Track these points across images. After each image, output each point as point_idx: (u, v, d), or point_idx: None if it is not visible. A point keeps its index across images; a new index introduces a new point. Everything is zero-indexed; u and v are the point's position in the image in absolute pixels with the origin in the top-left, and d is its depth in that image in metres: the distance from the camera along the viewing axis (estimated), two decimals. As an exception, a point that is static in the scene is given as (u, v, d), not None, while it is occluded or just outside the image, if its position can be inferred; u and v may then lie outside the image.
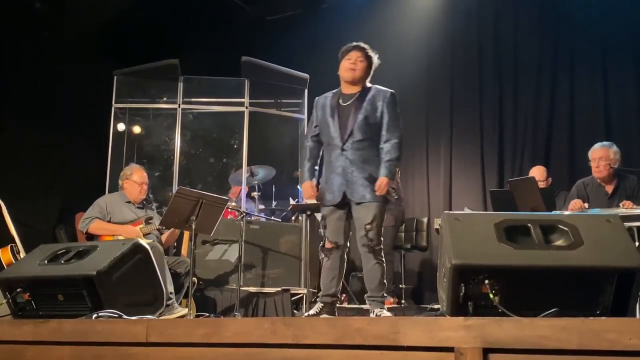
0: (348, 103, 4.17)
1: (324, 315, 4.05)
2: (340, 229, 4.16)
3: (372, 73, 4.28)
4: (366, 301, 4.20)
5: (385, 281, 4.15)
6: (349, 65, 4.17)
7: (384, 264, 4.13)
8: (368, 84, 4.25)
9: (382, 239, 4.13)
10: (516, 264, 2.33)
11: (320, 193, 4.22)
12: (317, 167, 4.32)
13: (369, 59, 4.22)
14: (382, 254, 4.12)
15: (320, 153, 4.32)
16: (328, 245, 4.16)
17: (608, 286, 2.33)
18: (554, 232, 2.49)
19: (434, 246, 7.53)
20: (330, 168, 4.15)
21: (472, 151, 7.91)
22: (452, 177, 8.03)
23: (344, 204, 4.12)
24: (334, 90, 4.34)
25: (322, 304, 4.13)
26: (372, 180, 4.05)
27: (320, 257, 4.25)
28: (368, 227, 4.02)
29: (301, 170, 4.40)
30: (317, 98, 4.39)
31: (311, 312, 4.14)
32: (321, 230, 4.24)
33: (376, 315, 3.98)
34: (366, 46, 4.24)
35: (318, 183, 4.27)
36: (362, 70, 4.19)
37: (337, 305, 6.02)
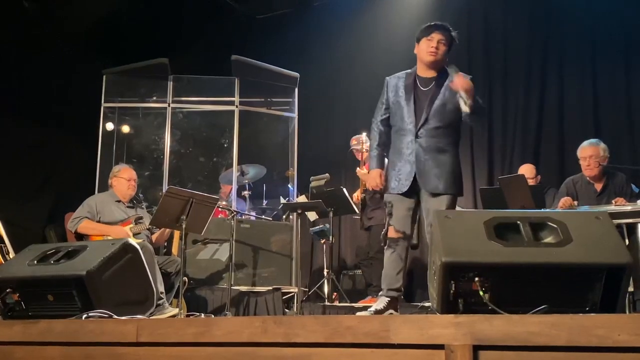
0: (427, 88, 3.94)
1: (390, 311, 3.81)
2: (408, 218, 3.93)
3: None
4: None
5: None
6: (429, 48, 3.92)
7: None
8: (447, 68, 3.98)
9: None
10: (506, 261, 2.34)
11: (387, 180, 4.00)
12: (386, 155, 4.10)
13: (451, 42, 3.96)
14: None
15: (389, 140, 4.06)
16: (394, 234, 3.93)
17: (597, 283, 2.35)
18: (544, 229, 2.50)
19: (424, 244, 7.53)
20: (399, 155, 3.92)
21: (462, 149, 7.80)
22: (442, 175, 8.03)
23: (412, 192, 3.90)
24: (408, 70, 4.11)
25: (389, 299, 3.87)
26: (445, 170, 3.84)
27: (384, 247, 4.01)
28: None
29: (370, 156, 4.12)
30: (387, 78, 4.14)
31: (378, 307, 3.85)
32: (387, 217, 3.98)
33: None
34: (449, 27, 3.97)
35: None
36: (443, 54, 3.95)
37: (328, 303, 6.08)
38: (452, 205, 3.85)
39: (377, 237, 6.47)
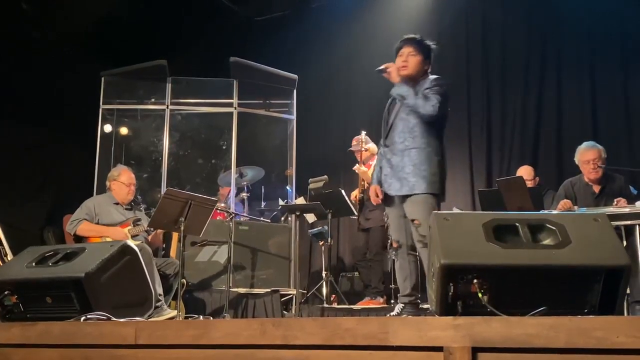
0: (396, 100, 4.06)
1: (404, 315, 3.90)
2: (396, 227, 4.06)
3: (431, 62, 4.14)
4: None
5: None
6: (401, 63, 4.03)
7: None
8: (430, 76, 4.08)
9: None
10: (504, 263, 2.34)
11: None
12: None
13: (423, 50, 4.06)
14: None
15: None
16: (394, 243, 4.06)
17: (596, 285, 2.34)
18: (542, 231, 2.50)
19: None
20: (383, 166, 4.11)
21: (461, 151, 7.93)
22: (440, 177, 8.04)
23: (394, 199, 4.04)
24: None
25: (403, 305, 4.02)
26: (410, 172, 3.93)
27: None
28: (417, 222, 3.90)
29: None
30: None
31: (393, 313, 4.02)
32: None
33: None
34: (417, 36, 4.08)
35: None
36: (416, 65, 4.05)
37: (327, 305, 6.07)
38: (426, 204, 3.86)
39: (375, 239, 6.54)
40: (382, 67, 4.01)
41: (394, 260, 4.10)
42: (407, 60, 4.02)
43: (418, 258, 4.02)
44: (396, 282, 6.99)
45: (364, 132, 6.55)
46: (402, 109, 3.99)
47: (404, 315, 3.89)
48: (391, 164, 3.97)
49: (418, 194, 3.87)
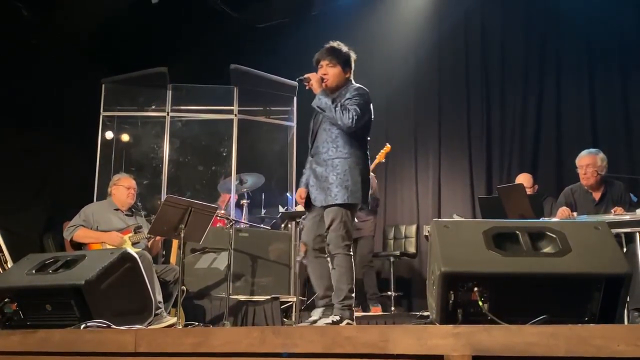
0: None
1: (347, 322, 3.93)
2: (308, 233, 4.11)
3: (352, 68, 4.17)
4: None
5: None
6: (320, 75, 4.09)
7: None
8: (352, 84, 4.13)
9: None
10: (505, 271, 2.34)
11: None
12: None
13: (340, 60, 4.10)
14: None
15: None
16: (303, 249, 4.15)
17: (596, 293, 2.35)
18: (542, 239, 2.50)
19: (423, 253, 7.55)
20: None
21: (460, 158, 7.94)
22: (440, 184, 8.05)
23: (309, 208, 4.14)
24: None
25: (323, 308, 4.04)
26: (324, 182, 3.97)
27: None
28: (325, 233, 3.96)
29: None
30: None
31: (315, 318, 4.00)
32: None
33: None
34: (334, 45, 4.12)
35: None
36: (335, 76, 4.10)
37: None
38: (336, 214, 3.89)
39: (369, 247, 6.62)
40: (304, 76, 4.06)
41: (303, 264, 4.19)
42: (327, 72, 4.08)
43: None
44: (396, 289, 7.11)
45: None
46: (324, 120, 4.05)
47: (323, 318, 3.91)
48: (316, 174, 4.03)
49: (340, 204, 3.91)
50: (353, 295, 3.93)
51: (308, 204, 4.11)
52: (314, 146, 4.10)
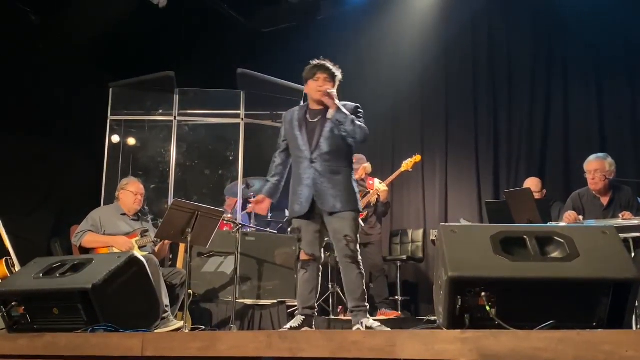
0: (315, 120, 4.22)
1: (305, 328, 4.04)
2: (317, 240, 4.18)
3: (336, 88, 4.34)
4: (351, 313, 4.13)
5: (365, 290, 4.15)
6: (317, 87, 4.20)
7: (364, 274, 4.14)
8: (346, 102, 4.29)
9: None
10: (512, 276, 2.33)
11: (289, 206, 4.27)
12: (279, 184, 4.42)
13: (334, 79, 4.26)
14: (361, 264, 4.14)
15: (287, 170, 4.42)
16: (305, 257, 4.16)
17: (604, 298, 2.33)
18: (550, 244, 2.49)
19: (430, 258, 7.53)
20: (299, 180, 4.19)
21: (468, 162, 7.92)
22: (447, 188, 8.03)
23: (316, 215, 4.15)
24: (302, 105, 4.44)
25: (304, 317, 4.11)
26: (340, 190, 4.10)
27: (297, 268, 4.25)
28: (348, 238, 4.04)
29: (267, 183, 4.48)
30: (284, 113, 4.45)
31: (294, 324, 4.08)
32: (297, 242, 4.24)
33: (366, 326, 3.95)
34: (330, 65, 4.28)
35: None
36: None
37: (333, 317, 6.08)
38: (355, 221, 4.10)
39: (375, 256, 6.64)
40: (330, 91, 4.16)
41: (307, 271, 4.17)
42: (323, 86, 4.20)
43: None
44: (403, 293, 7.10)
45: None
46: (326, 130, 4.16)
47: (305, 329, 4.01)
48: (328, 181, 4.12)
49: (349, 211, 4.08)
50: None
51: (306, 214, 4.14)
52: (315, 154, 4.15)
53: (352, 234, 4.05)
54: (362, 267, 4.11)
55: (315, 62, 4.32)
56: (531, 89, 7.67)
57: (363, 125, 4.15)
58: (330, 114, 4.12)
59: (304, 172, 4.16)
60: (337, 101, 4.14)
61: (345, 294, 4.20)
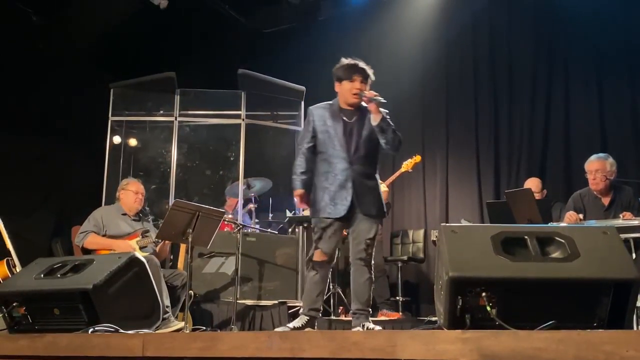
0: (352, 121, 4.18)
1: (308, 329, 4.03)
2: (335, 243, 4.16)
3: None
4: (354, 314, 4.14)
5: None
6: (354, 90, 4.15)
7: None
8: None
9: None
10: (513, 276, 2.33)
11: (316, 204, 4.17)
12: (310, 180, 4.28)
13: (367, 80, 4.22)
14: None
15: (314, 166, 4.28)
16: (321, 257, 4.10)
17: (605, 298, 2.34)
18: (551, 244, 2.49)
19: (430, 258, 7.53)
20: (332, 181, 4.11)
21: (468, 162, 7.92)
22: (448, 189, 8.03)
23: (345, 217, 4.09)
24: (330, 102, 4.31)
25: (308, 317, 4.10)
26: (375, 195, 4.14)
27: (308, 268, 4.20)
28: (369, 242, 4.06)
29: (293, 179, 4.28)
30: (311, 108, 4.34)
31: (297, 324, 4.07)
32: (314, 242, 4.17)
33: (367, 329, 3.95)
34: (366, 66, 4.22)
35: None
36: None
37: (334, 317, 6.08)
38: (378, 227, 4.18)
39: (377, 255, 6.60)
40: (377, 98, 4.09)
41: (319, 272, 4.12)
42: (360, 88, 4.17)
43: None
44: (403, 294, 7.10)
45: None
46: (364, 134, 4.15)
47: (307, 329, 4.02)
48: (364, 184, 4.13)
49: (379, 217, 4.19)
50: None
51: (342, 217, 4.11)
52: (354, 156, 4.12)
53: (373, 239, 4.08)
54: (372, 273, 4.12)
55: (349, 61, 4.25)
56: (532, 89, 7.66)
57: (399, 134, 4.15)
58: (375, 120, 4.07)
59: (340, 173, 4.10)
60: (376, 108, 4.07)
61: (351, 295, 4.20)
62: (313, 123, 4.26)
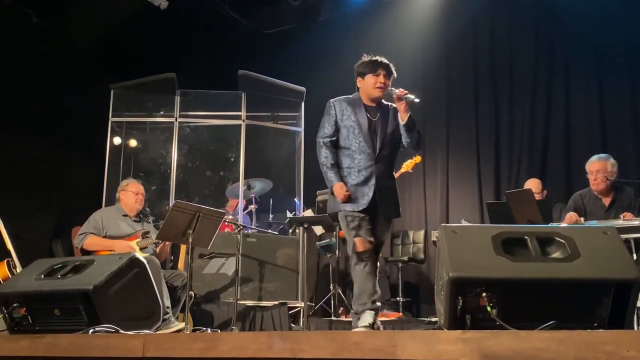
0: (376, 118, 4.16)
1: (379, 322, 4.08)
2: (371, 229, 4.10)
3: None
4: (355, 315, 4.09)
5: None
6: (378, 84, 4.14)
7: None
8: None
9: None
10: (513, 277, 2.33)
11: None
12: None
13: (390, 77, 4.21)
14: None
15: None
16: (365, 245, 3.99)
17: (605, 298, 2.33)
18: (551, 244, 2.49)
19: (431, 258, 7.53)
20: (356, 175, 4.08)
21: (469, 162, 7.92)
22: (448, 189, 8.03)
23: (368, 212, 4.07)
24: (351, 97, 4.27)
25: (374, 311, 3.99)
26: (395, 197, 4.18)
27: (354, 262, 4.03)
28: (382, 243, 4.17)
29: (326, 172, 4.16)
30: (333, 101, 4.27)
31: (369, 320, 3.94)
32: (352, 232, 4.05)
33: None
34: (391, 66, 4.22)
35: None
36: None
37: (335, 318, 6.07)
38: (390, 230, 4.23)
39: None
40: (409, 96, 4.05)
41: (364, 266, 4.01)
42: (385, 83, 4.16)
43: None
44: (404, 294, 7.09)
45: None
46: (389, 132, 4.14)
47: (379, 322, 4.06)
48: (387, 185, 4.15)
49: (395, 217, 4.26)
50: None
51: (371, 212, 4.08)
52: (379, 155, 4.11)
53: (385, 241, 4.17)
54: (377, 275, 4.11)
55: (371, 56, 4.23)
56: (532, 90, 7.67)
57: (421, 133, 4.16)
58: (403, 119, 4.05)
59: (365, 170, 4.08)
60: (405, 108, 4.06)
61: (353, 295, 4.17)
62: (335, 117, 4.20)
